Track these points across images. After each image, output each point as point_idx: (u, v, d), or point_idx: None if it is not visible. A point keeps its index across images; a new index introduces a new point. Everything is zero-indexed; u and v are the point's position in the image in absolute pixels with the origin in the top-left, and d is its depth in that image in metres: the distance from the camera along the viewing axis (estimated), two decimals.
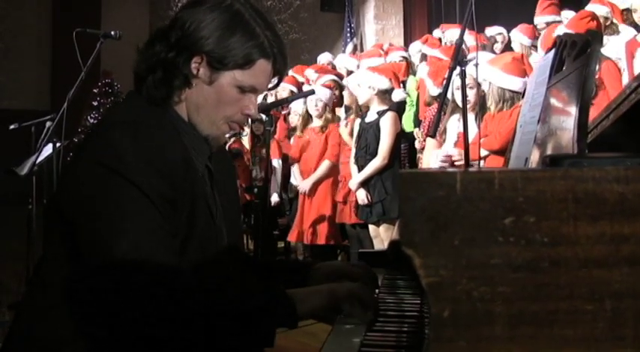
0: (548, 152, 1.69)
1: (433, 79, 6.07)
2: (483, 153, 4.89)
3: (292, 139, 7.68)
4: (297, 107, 7.63)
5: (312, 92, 6.30)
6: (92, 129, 2.02)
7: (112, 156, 1.71)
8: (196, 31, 1.86)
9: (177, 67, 1.86)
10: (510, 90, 4.83)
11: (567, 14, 6.85)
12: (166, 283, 1.68)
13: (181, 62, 1.86)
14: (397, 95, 6.87)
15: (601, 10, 6.05)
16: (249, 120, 2.36)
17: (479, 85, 4.97)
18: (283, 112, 8.36)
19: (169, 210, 1.75)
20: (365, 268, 2.14)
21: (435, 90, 6.08)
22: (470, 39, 7.31)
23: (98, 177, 1.70)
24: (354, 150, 6.52)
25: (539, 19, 7.20)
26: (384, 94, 6.41)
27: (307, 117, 7.32)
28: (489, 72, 4.96)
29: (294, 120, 7.82)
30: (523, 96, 2.24)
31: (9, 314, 5.56)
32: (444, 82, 3.73)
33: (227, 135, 2.13)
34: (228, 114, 1.94)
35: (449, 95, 5.14)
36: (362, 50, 12.65)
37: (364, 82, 6.39)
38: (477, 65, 4.05)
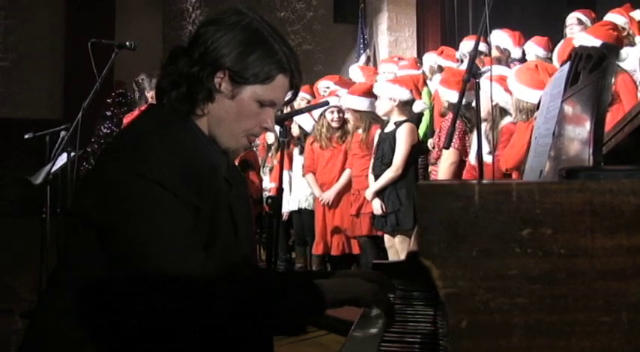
0: (563, 165, 1.69)
1: (447, 86, 6.00)
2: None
3: (305, 150, 7.66)
4: (302, 121, 7.64)
5: (327, 103, 6.30)
6: (118, 138, 2.05)
7: (145, 164, 1.76)
8: (218, 49, 1.91)
9: (201, 82, 1.91)
10: (523, 101, 4.81)
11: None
12: (204, 286, 1.75)
13: (205, 77, 1.91)
14: (418, 106, 6.89)
15: (619, 21, 6.04)
16: None
17: (491, 97, 4.96)
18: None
19: (195, 217, 1.81)
20: (382, 275, 2.16)
21: (451, 96, 5.94)
22: (508, 43, 7.38)
23: (132, 185, 1.75)
24: (372, 160, 6.54)
25: None
26: (405, 105, 6.46)
27: (327, 130, 7.29)
28: (510, 81, 4.97)
29: (295, 131, 7.84)
30: (538, 108, 2.24)
31: (22, 322, 5.58)
32: (459, 94, 3.73)
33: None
34: (247, 127, 1.98)
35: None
36: (375, 62, 12.64)
37: (384, 94, 6.41)
38: (490, 79, 4.03)
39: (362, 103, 6.75)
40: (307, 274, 2.27)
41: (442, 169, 5.81)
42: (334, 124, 7.22)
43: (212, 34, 1.93)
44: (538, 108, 2.22)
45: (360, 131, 6.85)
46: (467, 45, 7.78)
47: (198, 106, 1.93)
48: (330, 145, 7.26)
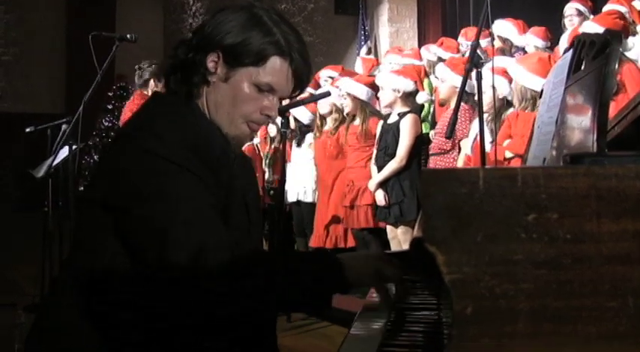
0: (567, 152, 1.68)
1: (452, 68, 5.94)
2: (508, 155, 4.88)
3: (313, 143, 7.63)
4: (297, 113, 7.62)
5: (328, 93, 6.28)
6: (128, 124, 2.03)
7: (160, 144, 1.75)
8: (213, 31, 1.92)
9: (194, 63, 1.92)
10: (533, 90, 4.79)
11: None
12: (229, 267, 1.72)
13: (198, 59, 1.92)
14: (421, 97, 6.86)
15: (620, 10, 6.03)
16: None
17: (494, 88, 4.95)
18: None
19: (212, 195, 1.81)
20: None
21: (457, 80, 5.87)
22: (512, 32, 7.40)
23: (147, 165, 1.74)
24: (375, 152, 6.52)
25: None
26: (408, 96, 6.43)
27: (322, 120, 7.28)
28: (515, 69, 4.95)
29: (291, 124, 7.81)
30: (540, 97, 2.23)
31: (25, 316, 5.59)
32: (461, 83, 3.72)
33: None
34: (245, 112, 1.95)
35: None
36: (376, 53, 12.64)
37: (388, 85, 6.38)
38: (492, 71, 4.02)
39: (363, 92, 6.70)
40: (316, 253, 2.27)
41: (462, 159, 5.76)
42: (322, 111, 7.19)
43: (210, 21, 1.95)
44: (541, 96, 2.21)
45: (356, 122, 6.83)
46: (466, 34, 7.80)
47: (194, 90, 1.93)
48: (324, 137, 7.23)
